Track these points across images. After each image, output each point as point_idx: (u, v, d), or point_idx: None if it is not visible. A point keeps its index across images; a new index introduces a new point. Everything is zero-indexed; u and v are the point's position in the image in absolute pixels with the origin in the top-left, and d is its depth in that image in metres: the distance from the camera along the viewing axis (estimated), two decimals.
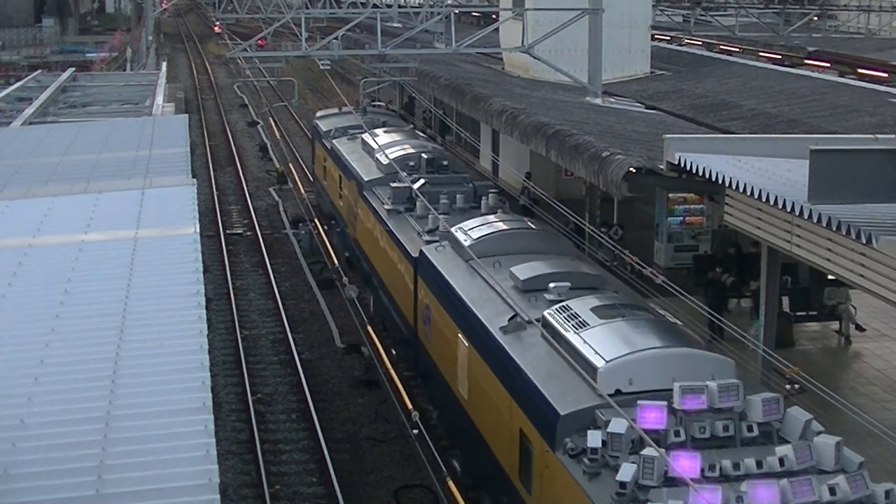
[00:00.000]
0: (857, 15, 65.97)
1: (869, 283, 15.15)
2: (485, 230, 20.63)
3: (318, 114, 40.03)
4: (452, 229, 20.83)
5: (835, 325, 24.85)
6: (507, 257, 19.13)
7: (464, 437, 18.54)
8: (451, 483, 18.59)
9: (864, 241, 14.26)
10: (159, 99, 33.29)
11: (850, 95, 30.51)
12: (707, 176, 18.29)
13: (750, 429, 12.74)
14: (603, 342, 14.61)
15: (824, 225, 15.02)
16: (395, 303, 23.83)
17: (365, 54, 40.33)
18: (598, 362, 14.14)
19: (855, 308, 24.50)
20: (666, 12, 61.66)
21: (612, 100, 33.94)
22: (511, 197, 31.37)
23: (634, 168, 21.07)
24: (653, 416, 12.51)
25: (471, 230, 20.81)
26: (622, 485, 11.69)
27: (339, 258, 31.97)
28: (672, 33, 56.60)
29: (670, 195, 28.76)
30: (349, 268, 30.84)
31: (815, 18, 64.07)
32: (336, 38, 36.34)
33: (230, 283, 30.91)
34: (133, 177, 20.30)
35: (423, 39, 44.54)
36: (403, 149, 28.80)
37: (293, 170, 44.46)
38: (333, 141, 33.45)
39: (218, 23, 78.31)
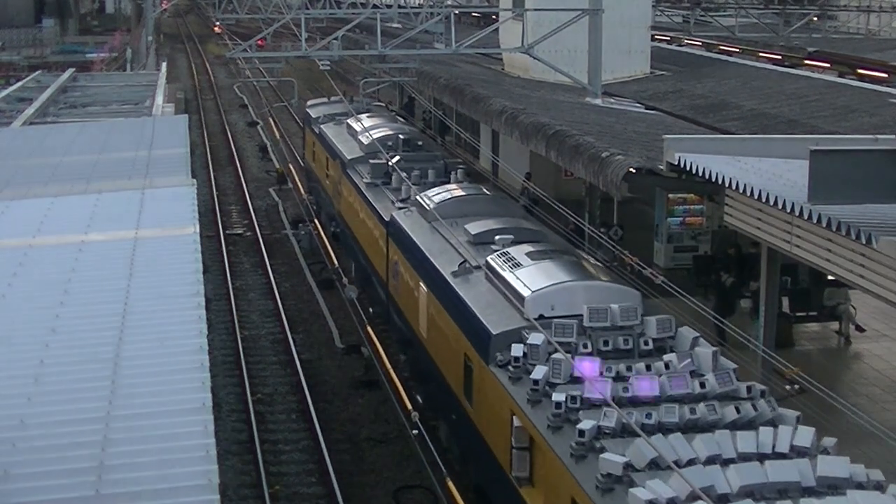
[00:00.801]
0: (857, 15, 65.90)
1: (869, 284, 15.15)
2: (445, 195, 23.29)
3: (309, 102, 42.08)
4: (419, 196, 23.51)
5: (835, 325, 24.82)
6: (463, 218, 21.63)
7: (424, 373, 21.14)
8: (450, 483, 18.62)
9: (864, 242, 14.26)
10: (159, 99, 33.29)
11: (850, 96, 30.47)
12: (707, 176, 18.29)
13: (646, 343, 15.31)
14: (531, 277, 17.30)
15: (824, 225, 15.02)
16: (371, 263, 26.48)
17: (365, 55, 40.46)
18: (526, 292, 16.88)
19: (855, 308, 24.47)
20: (666, 13, 61.60)
21: (612, 100, 33.91)
22: (511, 197, 31.33)
23: (634, 168, 21.08)
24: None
25: (434, 196, 23.31)
26: (535, 382, 14.31)
27: (326, 234, 33.99)
28: (672, 34, 56.54)
29: (670, 196, 28.71)
30: (335, 240, 32.79)
31: (815, 19, 64.01)
32: (336, 39, 36.50)
33: (230, 283, 30.90)
34: (133, 177, 20.31)
35: (423, 40, 44.51)
36: (383, 131, 31.59)
37: (293, 170, 44.45)
38: (322, 126, 35.71)
39: (218, 23, 78.29)
